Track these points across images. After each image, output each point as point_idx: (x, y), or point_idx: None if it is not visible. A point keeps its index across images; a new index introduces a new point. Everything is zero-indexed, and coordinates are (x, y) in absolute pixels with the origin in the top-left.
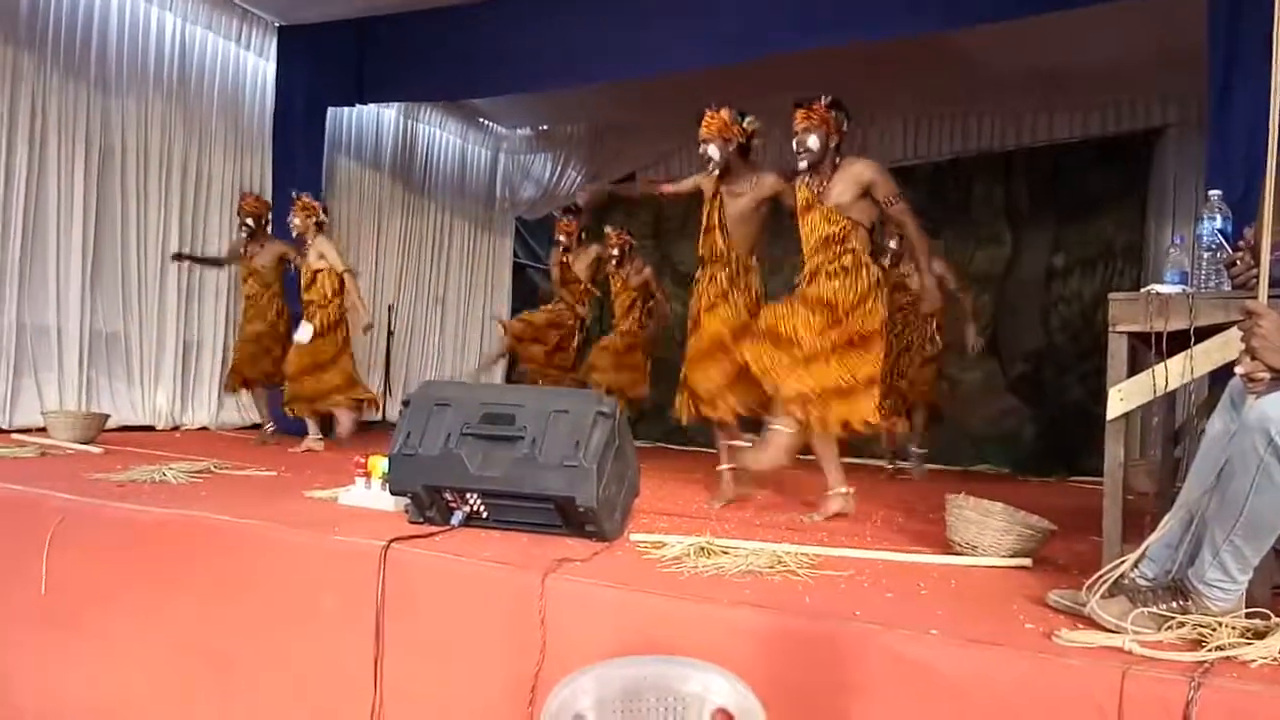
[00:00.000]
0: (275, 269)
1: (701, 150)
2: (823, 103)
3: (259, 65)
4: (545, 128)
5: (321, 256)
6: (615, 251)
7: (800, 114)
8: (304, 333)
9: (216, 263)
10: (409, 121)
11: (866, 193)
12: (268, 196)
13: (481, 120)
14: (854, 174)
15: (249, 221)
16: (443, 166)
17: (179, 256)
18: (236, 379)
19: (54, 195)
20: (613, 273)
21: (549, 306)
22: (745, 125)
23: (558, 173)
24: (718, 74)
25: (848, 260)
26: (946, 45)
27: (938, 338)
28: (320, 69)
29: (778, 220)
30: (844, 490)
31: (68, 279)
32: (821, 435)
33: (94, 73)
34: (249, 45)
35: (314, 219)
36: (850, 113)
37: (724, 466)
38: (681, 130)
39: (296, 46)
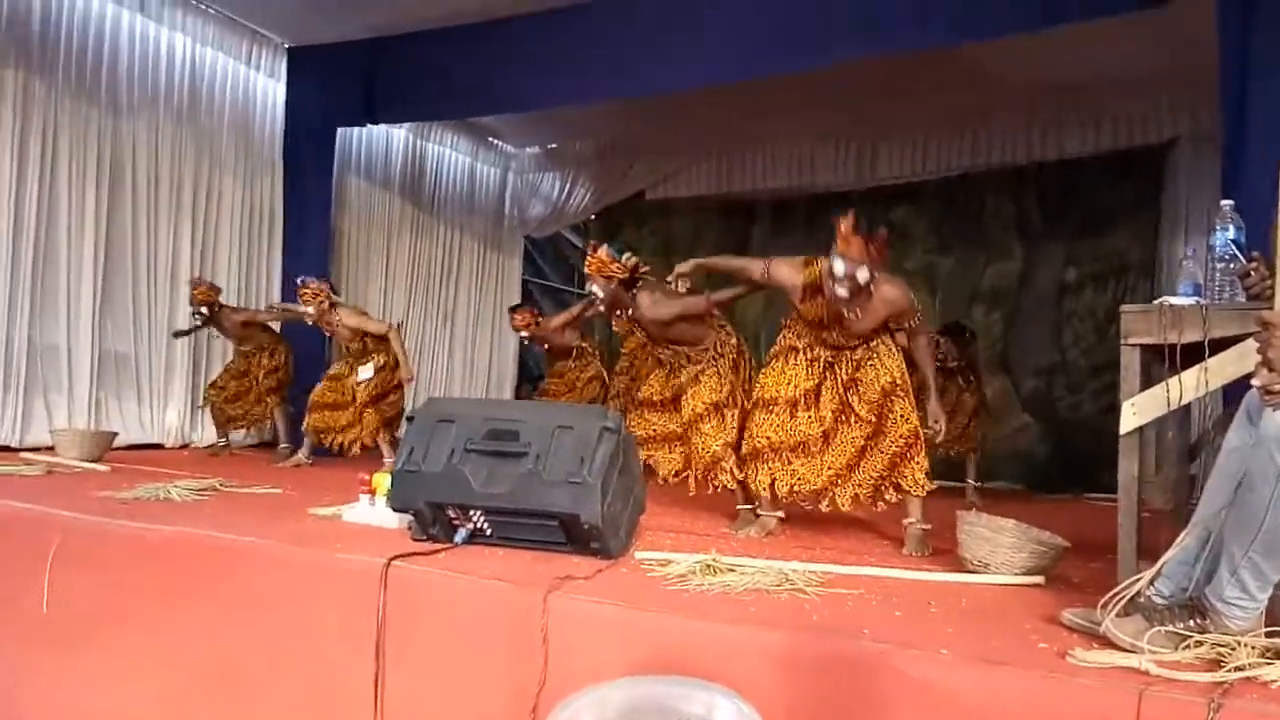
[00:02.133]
0: (254, 327)
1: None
2: (866, 234)
3: (269, 86)
4: (554, 146)
5: (359, 329)
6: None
7: (842, 240)
8: (366, 372)
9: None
10: (418, 141)
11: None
12: (280, 216)
13: (490, 139)
14: (884, 309)
15: (202, 310)
16: (452, 185)
17: (179, 335)
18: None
19: (65, 216)
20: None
21: None
22: (624, 261)
23: (566, 191)
24: (725, 91)
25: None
26: (957, 59)
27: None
28: (330, 89)
29: None
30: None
31: (78, 299)
32: None
33: (105, 94)
34: (259, 66)
35: (325, 302)
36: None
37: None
38: (688, 148)
39: (306, 67)
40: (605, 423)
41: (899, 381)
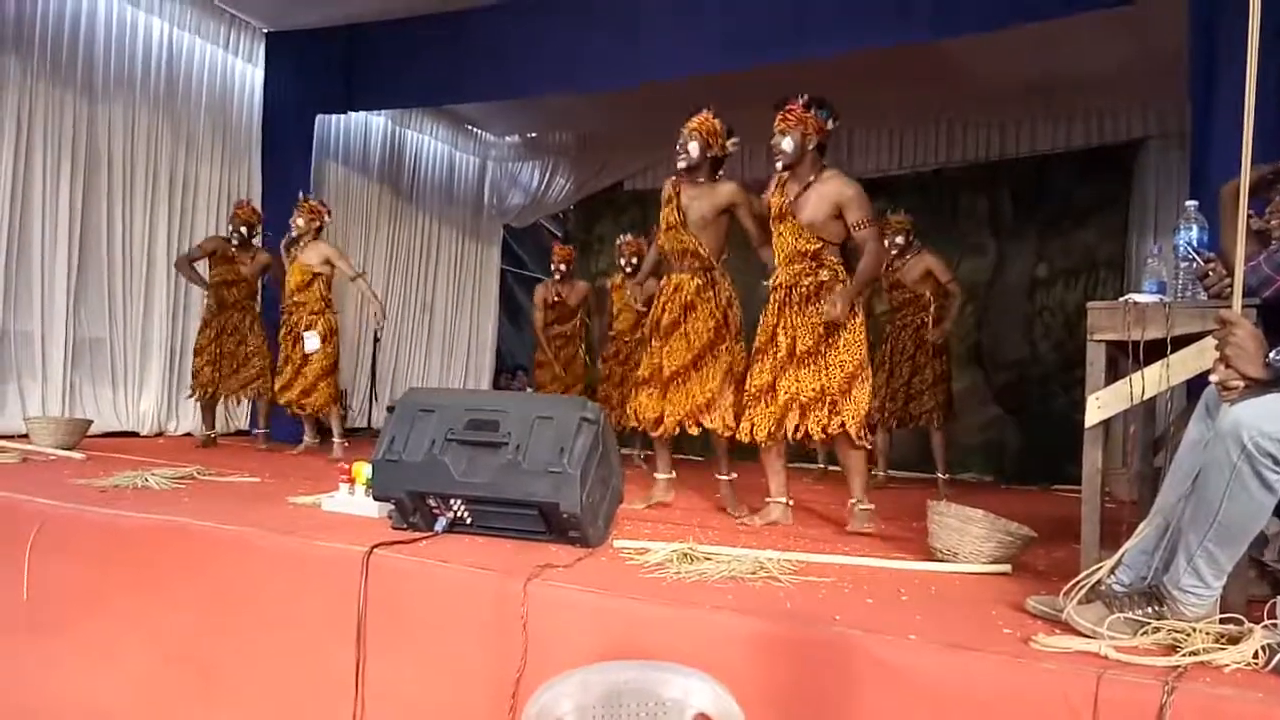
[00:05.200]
0: (256, 279)
1: (682, 143)
2: (799, 103)
3: (247, 71)
4: (534, 135)
5: (326, 261)
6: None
7: (777, 117)
8: (312, 343)
9: (202, 282)
10: (397, 128)
11: (840, 213)
12: (257, 202)
13: (470, 127)
14: (830, 193)
15: (243, 229)
16: (431, 173)
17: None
18: (207, 390)
19: (39, 201)
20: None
21: None
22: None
23: (545, 181)
24: (705, 83)
25: (825, 275)
26: (933, 56)
27: (945, 356)
28: (309, 75)
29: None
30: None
31: (53, 285)
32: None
33: (80, 79)
34: (237, 51)
35: (317, 223)
36: (835, 111)
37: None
38: (668, 139)
39: (285, 53)
40: (584, 413)
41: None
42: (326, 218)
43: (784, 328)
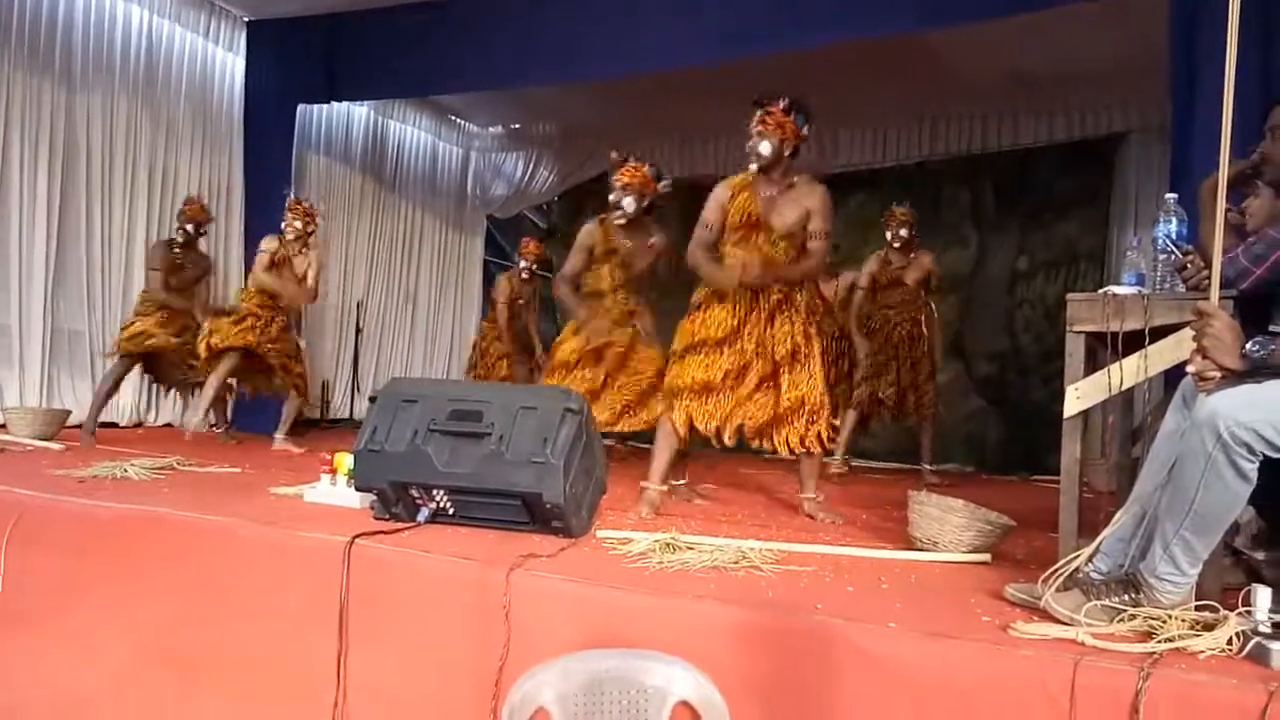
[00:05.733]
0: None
1: (616, 198)
2: (781, 106)
3: (228, 60)
4: (517, 126)
5: (312, 275)
6: None
7: (756, 117)
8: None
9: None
10: (380, 118)
11: (807, 220)
12: (239, 193)
13: (453, 118)
14: (806, 201)
15: (189, 228)
16: (414, 164)
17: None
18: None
19: (16, 192)
20: None
21: None
22: (661, 187)
23: (529, 172)
24: (689, 76)
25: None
26: (916, 49)
27: (936, 354)
28: (290, 65)
29: None
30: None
31: (30, 276)
32: None
33: (58, 67)
34: (218, 40)
35: (311, 229)
36: (812, 114)
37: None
38: (652, 131)
39: (266, 42)
40: (568, 404)
41: (802, 346)
42: (320, 221)
43: (750, 334)
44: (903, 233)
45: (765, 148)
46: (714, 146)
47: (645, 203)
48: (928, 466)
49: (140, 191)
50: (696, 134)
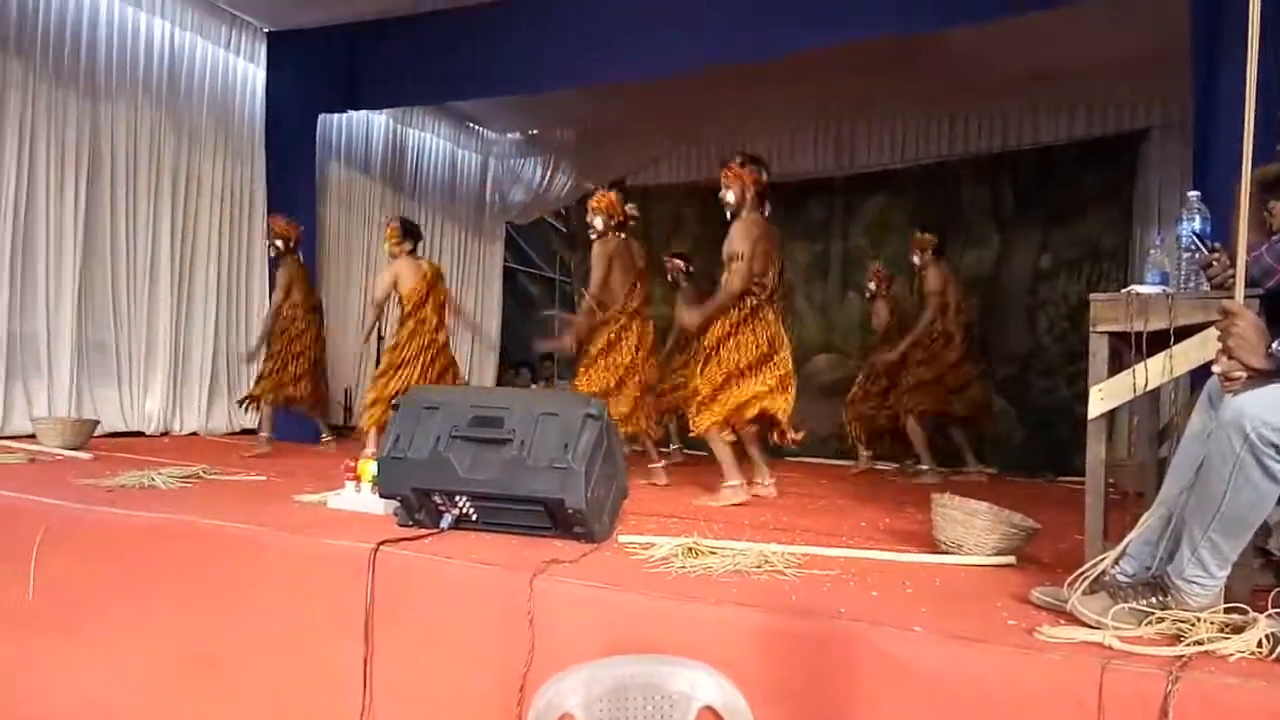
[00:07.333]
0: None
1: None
2: (736, 162)
3: (249, 71)
4: (535, 132)
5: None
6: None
7: (721, 173)
8: None
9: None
10: (399, 127)
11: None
12: (261, 203)
13: (471, 125)
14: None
15: (278, 244)
16: (433, 171)
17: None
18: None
19: (44, 203)
20: None
21: None
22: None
23: (548, 177)
24: (707, 77)
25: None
26: (935, 47)
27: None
28: (310, 75)
29: None
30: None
31: (59, 286)
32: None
33: (83, 80)
34: (239, 51)
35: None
36: (768, 166)
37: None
38: (669, 134)
39: (286, 53)
40: (589, 409)
41: (712, 345)
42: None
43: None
44: (914, 258)
45: (730, 196)
46: (730, 147)
47: (613, 221)
48: (977, 466)
49: (164, 202)
50: (714, 135)
